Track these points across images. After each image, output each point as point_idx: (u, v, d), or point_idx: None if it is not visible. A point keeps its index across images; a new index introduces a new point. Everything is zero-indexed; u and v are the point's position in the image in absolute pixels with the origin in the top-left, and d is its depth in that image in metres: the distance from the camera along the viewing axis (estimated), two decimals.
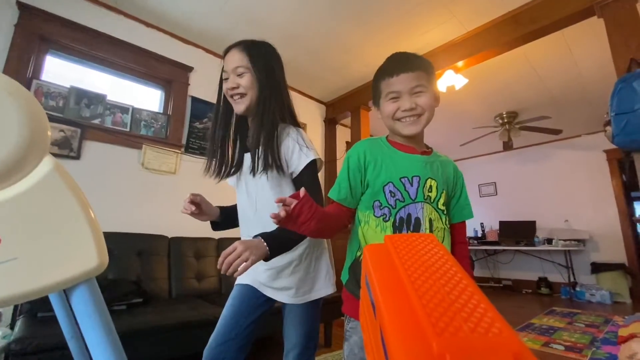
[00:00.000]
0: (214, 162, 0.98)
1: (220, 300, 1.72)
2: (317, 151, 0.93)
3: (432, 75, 0.78)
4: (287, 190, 0.91)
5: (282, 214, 0.62)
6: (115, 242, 1.84)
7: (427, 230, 0.74)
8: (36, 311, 1.38)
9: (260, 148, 0.88)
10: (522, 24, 2.25)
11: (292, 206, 0.63)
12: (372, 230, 0.76)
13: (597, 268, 4.10)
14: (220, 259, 0.72)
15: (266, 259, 0.78)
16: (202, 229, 1.57)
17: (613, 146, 1.56)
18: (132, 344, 1.25)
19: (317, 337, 0.98)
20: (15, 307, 1.58)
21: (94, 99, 2.16)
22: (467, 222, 0.87)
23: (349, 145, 3.92)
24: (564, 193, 4.71)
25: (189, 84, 2.64)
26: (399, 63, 0.77)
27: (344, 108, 3.64)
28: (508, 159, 5.31)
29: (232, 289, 0.99)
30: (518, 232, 4.75)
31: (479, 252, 5.20)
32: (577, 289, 4.05)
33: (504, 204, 5.27)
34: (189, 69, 2.65)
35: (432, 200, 0.77)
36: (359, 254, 0.78)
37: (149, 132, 2.39)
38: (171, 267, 2.08)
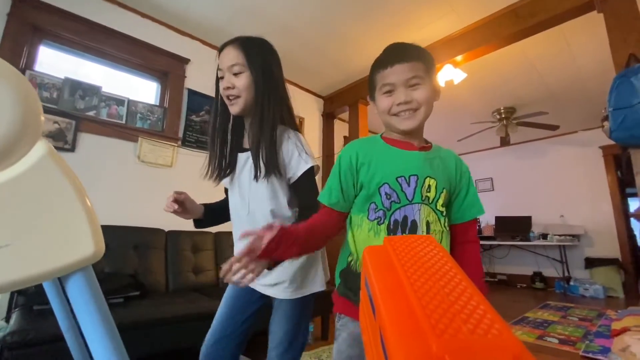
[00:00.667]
0: (213, 166, 0.95)
1: (217, 293, 1.71)
2: (314, 156, 0.91)
3: (431, 66, 0.72)
4: (281, 193, 0.90)
5: (253, 253, 0.59)
6: (112, 235, 1.83)
7: (424, 234, 0.69)
8: (32, 304, 1.36)
9: (261, 153, 0.85)
10: (522, 17, 2.24)
11: (267, 242, 0.59)
12: (364, 234, 0.71)
13: (591, 263, 4.15)
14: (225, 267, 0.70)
15: (269, 268, 0.75)
16: None
17: (609, 142, 1.55)
18: (129, 337, 1.24)
19: (303, 337, 0.93)
20: (11, 300, 1.57)
21: (89, 91, 2.12)
22: None
23: (346, 140, 3.91)
24: (560, 189, 4.74)
25: (186, 76, 2.60)
26: (394, 53, 0.71)
27: (342, 102, 3.62)
28: (505, 154, 5.33)
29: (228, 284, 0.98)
30: (514, 227, 4.79)
31: None
32: (571, 283, 4.10)
33: (500, 200, 5.30)
34: (186, 60, 2.62)
35: (430, 201, 0.71)
36: (350, 259, 0.74)
37: (145, 124, 2.36)
38: (168, 261, 2.07)
